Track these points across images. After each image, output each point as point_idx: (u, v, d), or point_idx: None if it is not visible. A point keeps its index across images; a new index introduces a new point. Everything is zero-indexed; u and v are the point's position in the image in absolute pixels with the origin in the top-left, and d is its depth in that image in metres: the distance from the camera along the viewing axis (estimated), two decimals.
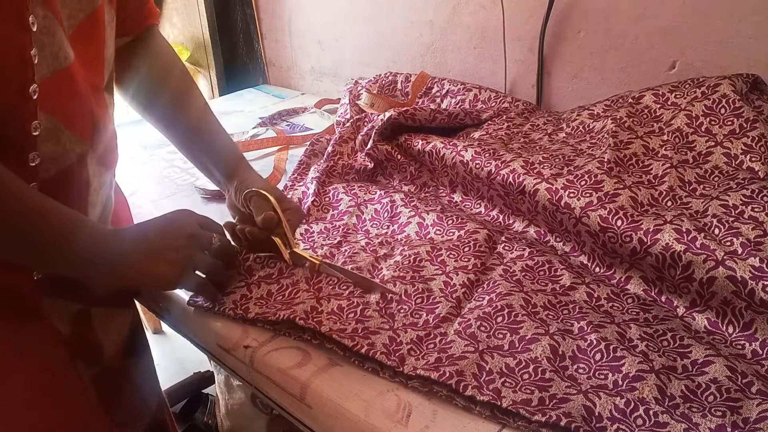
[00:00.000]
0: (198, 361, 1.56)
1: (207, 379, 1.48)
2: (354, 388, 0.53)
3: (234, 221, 0.71)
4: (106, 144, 0.64)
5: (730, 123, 0.72)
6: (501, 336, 0.55)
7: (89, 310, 0.67)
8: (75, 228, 0.55)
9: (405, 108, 0.91)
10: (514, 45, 1.07)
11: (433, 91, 1.09)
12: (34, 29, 0.51)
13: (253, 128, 1.22)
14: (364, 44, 1.37)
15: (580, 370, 0.51)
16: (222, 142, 0.76)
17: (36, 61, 0.51)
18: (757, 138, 0.69)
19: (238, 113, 1.36)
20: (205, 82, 1.81)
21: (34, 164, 0.55)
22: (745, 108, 0.72)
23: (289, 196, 0.84)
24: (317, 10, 1.45)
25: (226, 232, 0.69)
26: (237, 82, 1.74)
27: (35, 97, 0.52)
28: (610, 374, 0.50)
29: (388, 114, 0.89)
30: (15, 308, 0.59)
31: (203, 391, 1.46)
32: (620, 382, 0.49)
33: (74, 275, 0.61)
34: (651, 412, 0.46)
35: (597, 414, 0.47)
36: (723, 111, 0.73)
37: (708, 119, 0.74)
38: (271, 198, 0.68)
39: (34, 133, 0.53)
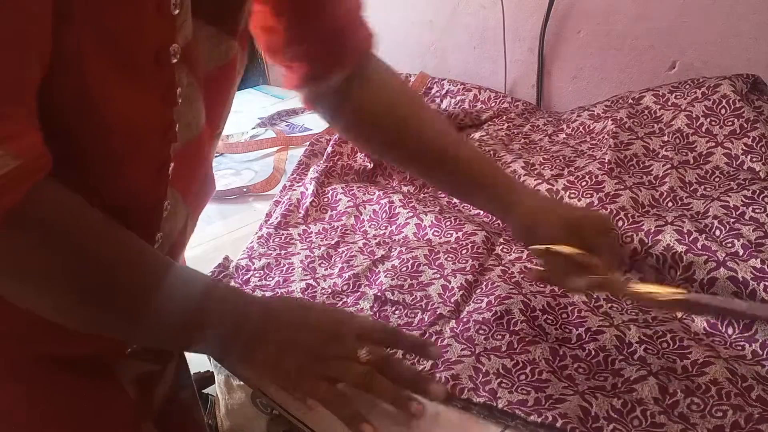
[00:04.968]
0: (198, 361, 1.55)
1: (207, 379, 1.47)
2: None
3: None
4: (204, 199, 0.56)
5: (730, 123, 0.72)
6: (500, 337, 0.55)
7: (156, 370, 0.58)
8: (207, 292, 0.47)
9: None
10: (514, 45, 1.07)
11: (433, 91, 1.09)
12: (179, 102, 0.43)
13: (253, 129, 1.21)
14: None
15: (580, 370, 0.51)
16: (486, 164, 0.62)
17: (178, 138, 0.44)
18: (757, 138, 0.69)
19: (237, 113, 1.35)
20: None
21: (157, 246, 0.48)
22: (746, 108, 0.72)
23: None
24: None
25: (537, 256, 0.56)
26: None
27: (170, 176, 0.45)
28: (610, 377, 0.50)
29: None
30: (94, 370, 0.51)
31: (203, 391, 1.46)
32: (619, 385, 0.49)
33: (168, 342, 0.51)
34: (648, 413, 0.46)
35: (593, 414, 0.47)
36: (723, 111, 0.73)
37: (708, 120, 0.73)
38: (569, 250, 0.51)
39: (164, 214, 0.46)
